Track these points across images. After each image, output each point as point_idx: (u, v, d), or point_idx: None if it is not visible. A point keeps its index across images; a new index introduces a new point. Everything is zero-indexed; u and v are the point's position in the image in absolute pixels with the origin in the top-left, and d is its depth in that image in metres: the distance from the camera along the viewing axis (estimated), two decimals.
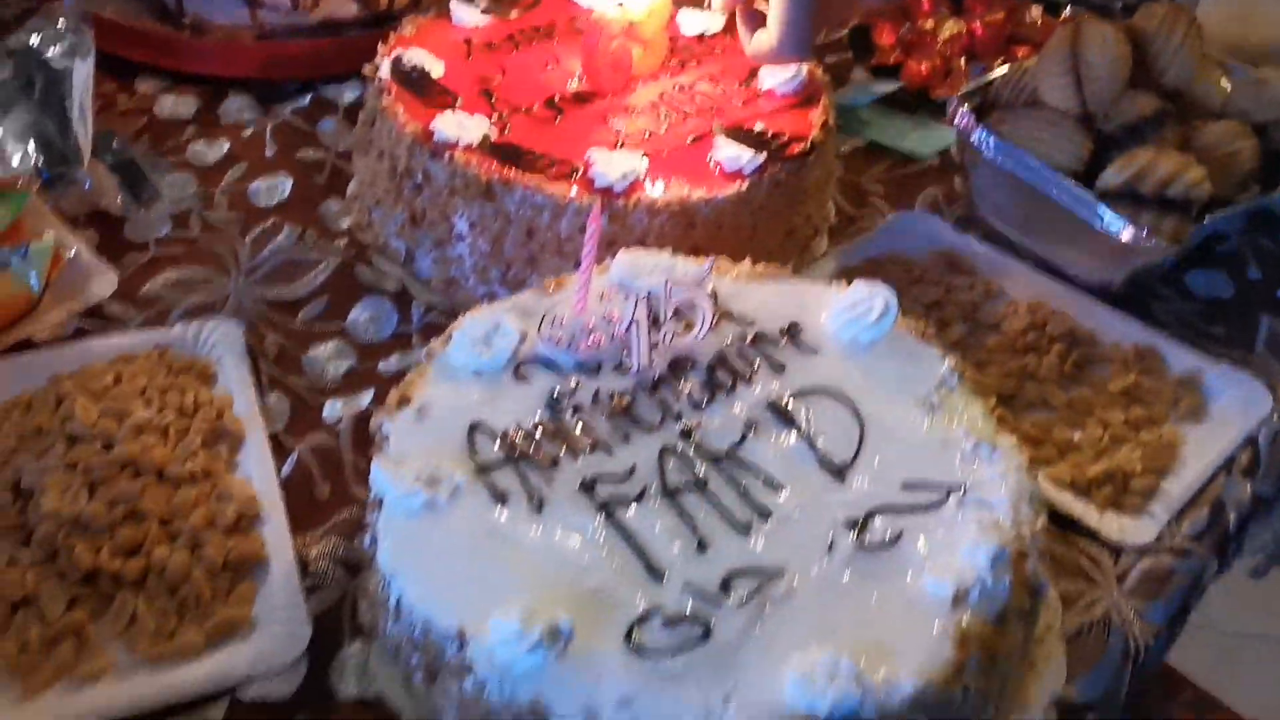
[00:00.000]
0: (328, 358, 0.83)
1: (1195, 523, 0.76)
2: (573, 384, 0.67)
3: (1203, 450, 0.80)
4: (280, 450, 0.74)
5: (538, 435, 0.64)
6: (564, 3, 1.03)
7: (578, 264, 0.82)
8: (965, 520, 0.61)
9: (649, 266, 0.74)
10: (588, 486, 0.61)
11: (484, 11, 1.00)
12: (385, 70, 0.90)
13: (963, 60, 1.15)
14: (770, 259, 0.90)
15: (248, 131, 1.02)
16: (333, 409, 0.78)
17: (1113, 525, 0.74)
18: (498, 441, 0.63)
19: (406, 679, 0.59)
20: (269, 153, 1.00)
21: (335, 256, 0.90)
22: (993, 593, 0.57)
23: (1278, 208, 0.94)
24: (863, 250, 0.95)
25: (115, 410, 0.73)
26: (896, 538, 0.60)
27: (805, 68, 0.94)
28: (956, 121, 0.94)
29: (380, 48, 0.94)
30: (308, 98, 1.07)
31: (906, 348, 0.71)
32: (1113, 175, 0.87)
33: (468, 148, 0.83)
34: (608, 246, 0.82)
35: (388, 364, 0.82)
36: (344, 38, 1.11)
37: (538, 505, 0.60)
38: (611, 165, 0.82)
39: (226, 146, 1.01)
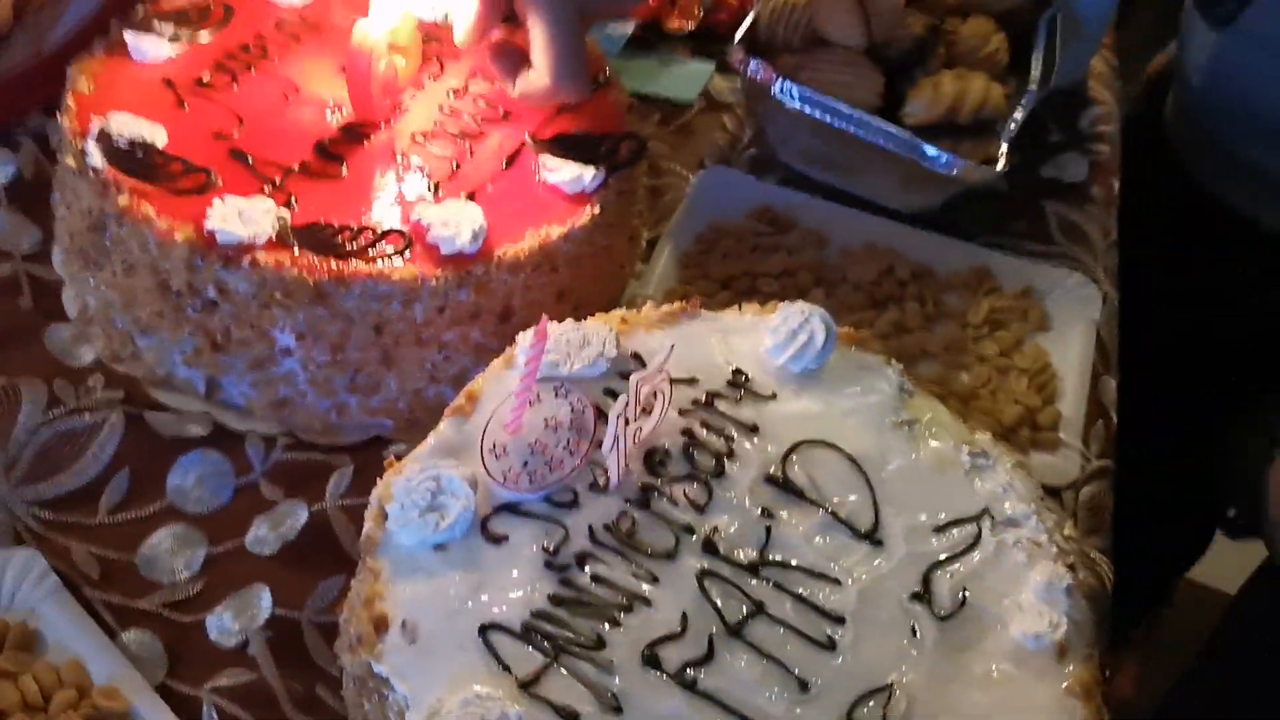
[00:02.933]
0: (169, 551, 0.64)
1: (1096, 437, 0.80)
2: (561, 530, 0.56)
3: (1067, 359, 0.84)
4: (185, 707, 0.57)
5: (561, 613, 0.53)
6: (259, 7, 0.83)
7: (441, 347, 0.70)
8: (1007, 550, 0.59)
9: (562, 347, 0.63)
10: (651, 659, 0.52)
11: (171, 39, 0.78)
12: (97, 157, 0.68)
13: None
14: (623, 272, 0.82)
15: None
16: (222, 626, 0.61)
17: (1043, 467, 0.76)
18: (523, 640, 0.52)
19: None
20: None
21: (110, 410, 0.69)
22: (1081, 624, 0.56)
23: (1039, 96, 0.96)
24: (685, 227, 0.89)
25: None
26: (963, 597, 0.57)
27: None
28: (749, 72, 0.88)
29: (63, 121, 0.72)
30: None
31: (853, 362, 0.67)
32: (922, 109, 0.87)
33: (268, 243, 0.66)
34: (471, 320, 0.70)
35: (258, 539, 0.65)
36: None
37: (614, 707, 0.50)
38: (450, 225, 0.68)
39: None
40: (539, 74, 0.74)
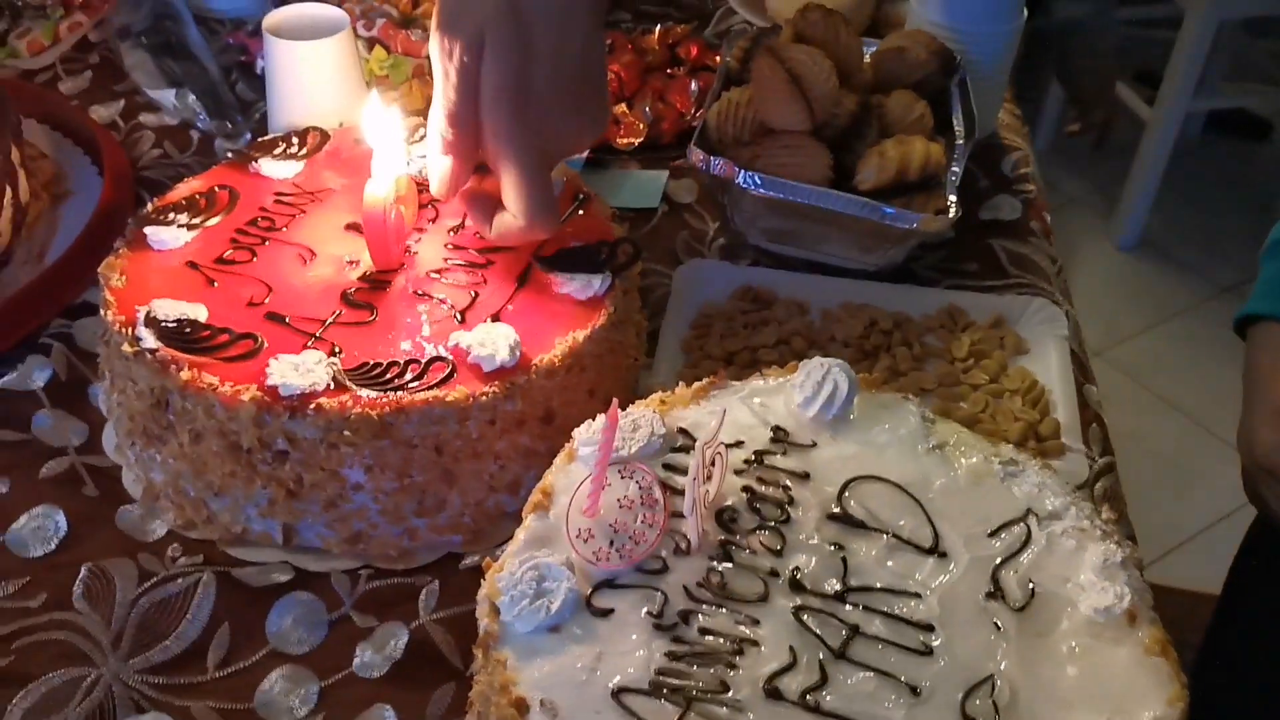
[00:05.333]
0: (283, 694, 0.67)
1: (1093, 437, 0.87)
2: (659, 595, 0.61)
3: (1049, 375, 0.91)
4: None
5: (682, 666, 0.58)
6: (256, 184, 0.90)
7: (496, 457, 0.75)
8: (1057, 540, 0.65)
9: (617, 433, 0.69)
10: (773, 692, 0.57)
11: (186, 227, 0.84)
12: (150, 340, 0.73)
13: (623, 106, 1.17)
14: (636, 364, 0.88)
15: None
16: None
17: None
18: (654, 696, 0.56)
19: None
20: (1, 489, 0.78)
21: (199, 572, 0.72)
22: (1141, 590, 0.62)
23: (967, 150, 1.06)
24: (679, 316, 0.95)
25: None
26: (1031, 588, 0.63)
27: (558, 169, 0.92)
28: (711, 169, 0.96)
29: (107, 315, 0.77)
30: None
31: (875, 403, 0.74)
32: (873, 174, 0.95)
33: (327, 390, 0.71)
34: (519, 428, 0.75)
35: (365, 664, 0.68)
36: None
37: None
38: (488, 346, 0.74)
39: None
40: (514, 216, 0.80)
